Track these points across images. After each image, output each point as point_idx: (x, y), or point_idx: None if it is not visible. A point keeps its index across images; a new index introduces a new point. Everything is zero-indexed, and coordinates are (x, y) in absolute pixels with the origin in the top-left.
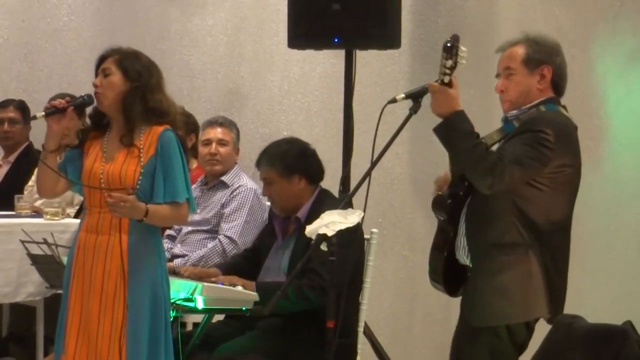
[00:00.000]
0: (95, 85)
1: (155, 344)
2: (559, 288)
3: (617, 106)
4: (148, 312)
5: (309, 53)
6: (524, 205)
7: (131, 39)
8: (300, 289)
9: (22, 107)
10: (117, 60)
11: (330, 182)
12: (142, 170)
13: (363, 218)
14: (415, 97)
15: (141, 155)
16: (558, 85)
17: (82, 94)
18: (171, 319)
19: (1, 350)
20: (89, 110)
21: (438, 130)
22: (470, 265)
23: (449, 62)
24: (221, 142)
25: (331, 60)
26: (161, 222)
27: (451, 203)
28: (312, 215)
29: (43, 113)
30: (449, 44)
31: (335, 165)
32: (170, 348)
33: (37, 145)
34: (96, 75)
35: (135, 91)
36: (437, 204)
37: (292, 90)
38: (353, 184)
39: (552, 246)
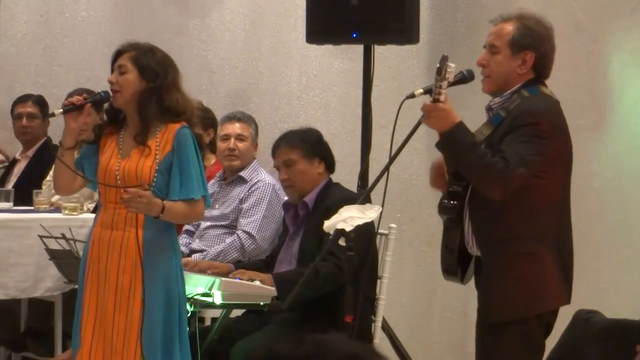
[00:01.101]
0: (110, 82)
1: (170, 339)
2: (568, 272)
3: (635, 101)
4: (162, 307)
5: (327, 48)
6: (529, 196)
7: (149, 34)
8: (317, 272)
9: (40, 102)
10: (133, 58)
11: (349, 177)
12: (157, 167)
13: (381, 213)
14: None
15: (157, 152)
16: (540, 71)
17: (100, 91)
18: (189, 314)
19: (19, 345)
20: (106, 105)
21: (441, 145)
22: (482, 260)
23: (444, 83)
24: (239, 137)
25: (349, 55)
26: (177, 219)
27: (454, 204)
28: (320, 201)
29: (61, 110)
30: (439, 66)
31: (354, 160)
32: (185, 344)
33: (56, 140)
34: (112, 70)
35: (151, 91)
36: (442, 208)
37: (310, 86)
38: (371, 179)
39: (559, 230)
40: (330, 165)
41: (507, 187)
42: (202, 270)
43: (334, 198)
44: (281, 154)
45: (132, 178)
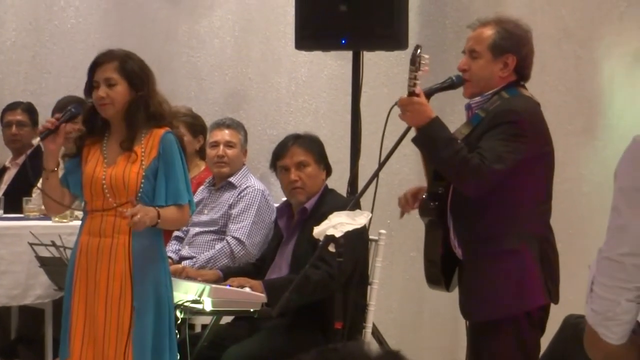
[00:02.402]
0: (101, 97)
1: (160, 345)
2: (553, 271)
3: (625, 106)
4: (152, 313)
5: (316, 54)
6: (509, 195)
7: (138, 41)
8: (307, 279)
9: (30, 110)
10: (119, 69)
11: (338, 183)
12: (144, 173)
13: (371, 219)
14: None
15: (143, 158)
16: (521, 73)
17: (69, 107)
18: (179, 321)
19: (10, 353)
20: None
21: (417, 141)
22: (463, 260)
23: (418, 74)
24: (229, 144)
25: (338, 61)
26: (170, 225)
27: (435, 205)
28: (318, 208)
29: (38, 139)
30: (412, 57)
31: (343, 167)
32: (174, 349)
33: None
34: (91, 84)
35: (140, 100)
36: (423, 209)
37: (299, 92)
38: (361, 185)
39: (541, 230)
40: (329, 174)
41: (482, 183)
42: (190, 278)
43: (331, 205)
44: (294, 154)
45: (120, 185)
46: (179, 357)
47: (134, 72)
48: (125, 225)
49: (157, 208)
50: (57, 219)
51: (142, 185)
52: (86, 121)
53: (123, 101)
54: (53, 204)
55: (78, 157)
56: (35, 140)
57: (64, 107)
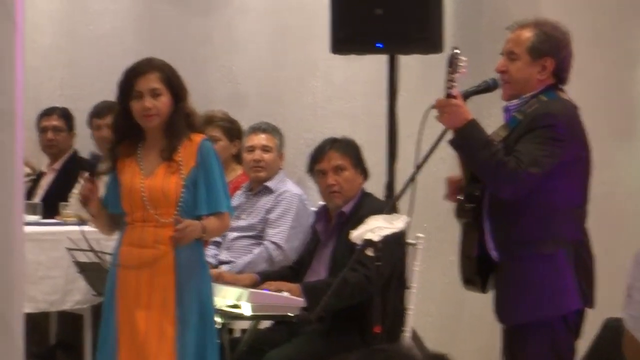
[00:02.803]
0: (147, 108)
1: (203, 355)
2: (589, 276)
3: None
4: (197, 323)
5: (352, 58)
6: (546, 199)
7: (174, 46)
8: (345, 283)
9: (66, 115)
10: (163, 79)
11: (375, 187)
12: (184, 183)
13: (408, 223)
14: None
15: (181, 168)
16: (560, 76)
17: (88, 158)
18: (220, 326)
19: (49, 358)
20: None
21: (454, 143)
22: (498, 263)
23: (455, 76)
24: (265, 149)
25: (374, 65)
26: (212, 235)
27: (472, 206)
28: (356, 212)
29: (87, 215)
30: (449, 59)
31: (380, 170)
32: (216, 358)
33: (82, 153)
34: (128, 91)
35: (182, 110)
36: (459, 211)
37: (335, 96)
38: (398, 188)
39: (577, 234)
40: (366, 178)
41: (518, 186)
42: (227, 283)
43: (369, 209)
44: (332, 158)
45: (159, 196)
46: None
47: (177, 82)
48: (166, 235)
49: (201, 222)
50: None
51: (182, 196)
52: (117, 129)
53: (167, 112)
54: (106, 231)
55: (114, 171)
56: (87, 217)
57: (100, 112)
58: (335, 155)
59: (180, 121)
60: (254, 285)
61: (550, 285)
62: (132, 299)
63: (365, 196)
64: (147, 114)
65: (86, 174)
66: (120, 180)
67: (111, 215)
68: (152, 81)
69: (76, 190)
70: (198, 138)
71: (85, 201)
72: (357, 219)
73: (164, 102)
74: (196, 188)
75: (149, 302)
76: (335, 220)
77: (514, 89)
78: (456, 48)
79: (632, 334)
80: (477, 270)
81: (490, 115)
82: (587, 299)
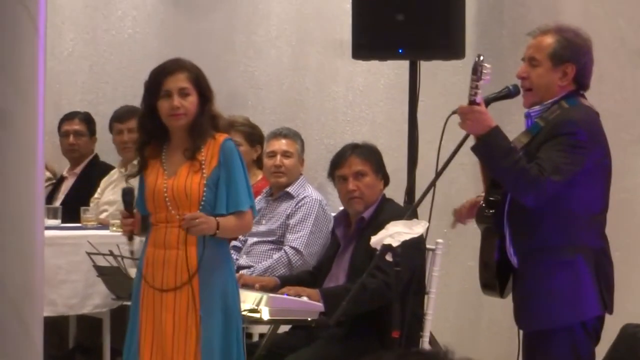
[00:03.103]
0: (176, 107)
1: (228, 355)
2: (608, 282)
3: None
4: (220, 324)
5: (373, 64)
6: (566, 205)
7: (196, 51)
8: (364, 288)
9: (87, 120)
10: (191, 80)
11: (395, 193)
12: (205, 182)
13: (428, 228)
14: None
15: (203, 167)
16: (581, 82)
17: (125, 191)
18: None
19: None
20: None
21: (476, 149)
22: (518, 269)
23: (479, 83)
24: (286, 154)
25: (395, 71)
26: (230, 233)
27: (492, 212)
28: (376, 217)
29: (134, 250)
30: (474, 66)
31: (401, 176)
32: (242, 359)
33: (103, 158)
34: (156, 90)
35: (208, 112)
36: (479, 217)
37: (356, 101)
38: (418, 194)
39: (597, 241)
40: (387, 184)
41: (540, 194)
42: (247, 285)
43: (389, 214)
44: (352, 164)
45: (182, 196)
46: None
47: (205, 84)
48: (190, 236)
49: (217, 218)
50: (114, 228)
51: (204, 195)
52: (144, 128)
53: (195, 112)
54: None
55: (141, 173)
56: (132, 247)
57: (121, 116)
58: (356, 161)
59: (206, 122)
60: (275, 288)
61: (570, 291)
62: (159, 301)
63: (386, 201)
64: (175, 113)
65: (122, 211)
66: (145, 182)
67: (144, 217)
68: (180, 81)
69: (97, 195)
70: (221, 138)
71: (130, 236)
72: (377, 224)
73: (191, 102)
74: (217, 187)
75: (175, 304)
76: (355, 226)
77: (536, 95)
78: (480, 55)
79: None
80: (495, 275)
81: (511, 121)
82: (607, 305)
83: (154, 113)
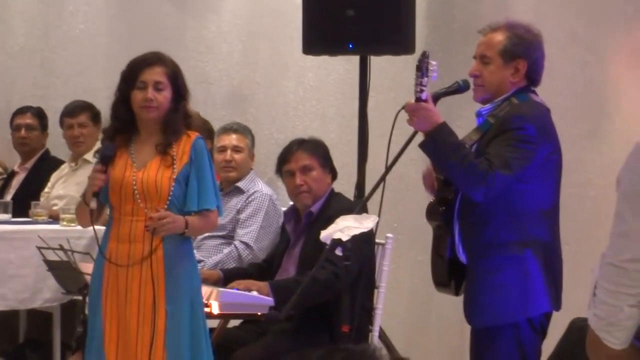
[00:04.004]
0: (150, 100)
1: (198, 348)
2: (557, 278)
3: (631, 110)
4: (188, 318)
5: (324, 59)
6: (516, 202)
7: (147, 46)
8: (314, 281)
9: (39, 114)
10: (168, 75)
11: (345, 187)
12: (175, 178)
13: (378, 223)
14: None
15: (174, 163)
16: (532, 77)
17: (101, 148)
18: None
19: (18, 356)
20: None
21: (425, 146)
22: (467, 265)
23: (424, 80)
24: (236, 149)
25: (346, 66)
26: (197, 232)
27: (443, 209)
28: (324, 211)
29: (94, 203)
30: (419, 63)
31: (350, 170)
32: (210, 352)
33: (54, 153)
34: (132, 80)
35: (182, 108)
36: (431, 213)
37: (307, 96)
38: (368, 189)
39: (546, 237)
40: (334, 177)
41: (489, 188)
42: None
43: (337, 208)
44: (299, 159)
45: (152, 189)
46: None
47: (181, 81)
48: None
49: (186, 217)
50: (65, 222)
51: (172, 190)
52: (117, 116)
53: (167, 107)
54: (85, 224)
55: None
56: (94, 205)
57: (72, 111)
58: (302, 156)
59: (179, 119)
60: (218, 282)
61: (518, 287)
62: (123, 295)
63: (334, 196)
64: (148, 105)
65: (98, 163)
66: (110, 173)
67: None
68: (157, 74)
69: (47, 190)
70: (193, 135)
71: (97, 191)
72: (325, 218)
73: (165, 96)
74: (187, 184)
75: (140, 297)
76: (304, 220)
77: (487, 92)
78: (426, 51)
79: (596, 333)
80: (449, 273)
81: (461, 117)
82: (555, 301)
83: (127, 102)
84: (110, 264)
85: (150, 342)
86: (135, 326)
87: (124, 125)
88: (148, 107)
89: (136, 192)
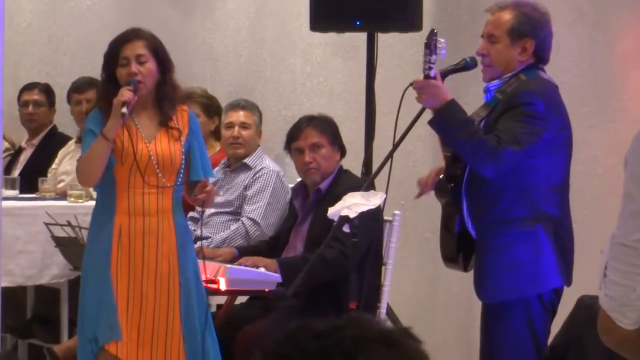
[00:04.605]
0: (134, 73)
1: (207, 319)
2: (567, 253)
3: (639, 88)
4: (195, 289)
5: (331, 36)
6: (526, 177)
7: (153, 23)
8: (322, 259)
9: (47, 91)
10: (148, 47)
11: (353, 164)
12: (183, 150)
13: (385, 200)
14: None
15: (181, 135)
16: (540, 56)
17: (132, 80)
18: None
19: (26, 332)
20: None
21: (434, 123)
22: (478, 241)
23: (433, 57)
24: (243, 125)
25: (353, 43)
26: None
27: (452, 186)
28: (333, 189)
29: (126, 112)
30: (427, 40)
31: (358, 148)
32: (211, 324)
33: (61, 129)
34: (115, 58)
35: (171, 79)
36: (439, 190)
37: (314, 73)
38: (375, 166)
39: (556, 212)
40: (343, 155)
41: (499, 164)
42: (206, 258)
43: (346, 186)
44: (308, 136)
45: (168, 162)
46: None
47: (162, 50)
48: (168, 203)
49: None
50: (72, 199)
51: (183, 163)
52: (104, 98)
53: (154, 79)
54: (97, 173)
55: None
56: (125, 109)
57: (79, 87)
58: (312, 133)
59: (171, 91)
60: (233, 259)
61: (530, 263)
62: (140, 268)
63: (342, 173)
64: (134, 79)
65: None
66: (115, 144)
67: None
68: (138, 48)
69: (54, 166)
70: (185, 108)
71: (126, 100)
72: (334, 195)
73: (149, 68)
74: (191, 155)
75: (157, 270)
76: (313, 197)
77: (495, 71)
78: (434, 29)
79: (607, 314)
80: (458, 249)
81: (468, 94)
82: (565, 277)
83: (115, 82)
84: (122, 238)
85: (167, 314)
86: (152, 299)
87: (108, 105)
88: (137, 82)
89: (155, 164)
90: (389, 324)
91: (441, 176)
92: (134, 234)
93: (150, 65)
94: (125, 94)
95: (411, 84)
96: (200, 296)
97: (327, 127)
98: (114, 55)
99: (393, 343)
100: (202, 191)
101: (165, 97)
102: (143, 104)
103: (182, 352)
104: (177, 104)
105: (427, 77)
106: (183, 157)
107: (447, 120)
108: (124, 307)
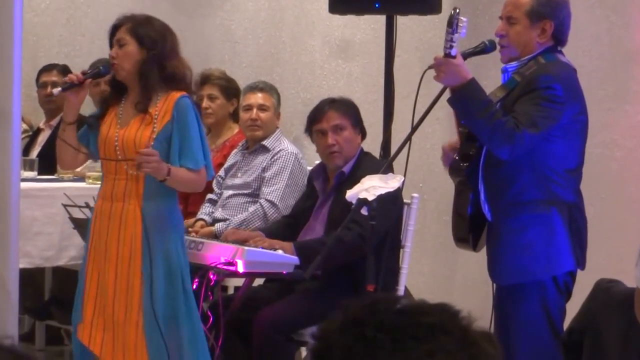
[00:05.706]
0: (111, 57)
1: (175, 313)
2: (582, 237)
3: None
4: (163, 280)
5: (350, 18)
6: (542, 160)
7: (173, 5)
8: (340, 241)
9: (65, 72)
10: (130, 29)
11: (371, 147)
12: (155, 137)
13: (404, 183)
14: None
15: (155, 122)
16: (559, 38)
17: (99, 65)
18: (213, 283)
19: (44, 314)
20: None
21: (452, 102)
22: (493, 223)
23: (455, 36)
24: (262, 108)
25: (372, 25)
26: (180, 185)
27: (466, 166)
28: (355, 172)
29: (59, 89)
30: (450, 19)
31: (376, 130)
32: (192, 317)
33: (80, 110)
34: (111, 45)
35: (152, 59)
36: (454, 169)
37: (333, 55)
38: (394, 149)
39: (572, 196)
40: (364, 137)
41: (515, 146)
42: (236, 242)
43: (368, 168)
44: (331, 118)
45: (130, 147)
46: (201, 323)
47: (145, 32)
48: (137, 189)
49: (169, 166)
50: (90, 180)
51: (152, 147)
52: (111, 82)
53: (132, 61)
54: (65, 157)
55: (101, 118)
56: (57, 90)
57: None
58: (334, 115)
59: (152, 72)
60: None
61: (544, 245)
62: (102, 253)
63: (364, 155)
64: (111, 62)
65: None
66: (100, 129)
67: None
68: (120, 33)
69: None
70: (177, 94)
71: (67, 82)
72: (356, 178)
73: (127, 51)
74: (170, 143)
75: (118, 256)
76: (335, 180)
77: (514, 53)
78: (456, 8)
79: None
80: (469, 229)
81: (488, 76)
82: (579, 260)
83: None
84: (95, 222)
85: (126, 301)
86: (112, 284)
87: (114, 89)
88: (113, 65)
89: (117, 149)
90: (478, 324)
91: (455, 156)
92: (101, 218)
93: (130, 48)
94: (71, 76)
95: (431, 66)
96: (174, 290)
97: (349, 109)
98: (110, 40)
99: (469, 343)
100: (137, 151)
101: (144, 79)
102: (132, 88)
103: (140, 341)
104: (158, 86)
105: (447, 55)
106: (152, 143)
107: (466, 100)
108: (93, 290)
